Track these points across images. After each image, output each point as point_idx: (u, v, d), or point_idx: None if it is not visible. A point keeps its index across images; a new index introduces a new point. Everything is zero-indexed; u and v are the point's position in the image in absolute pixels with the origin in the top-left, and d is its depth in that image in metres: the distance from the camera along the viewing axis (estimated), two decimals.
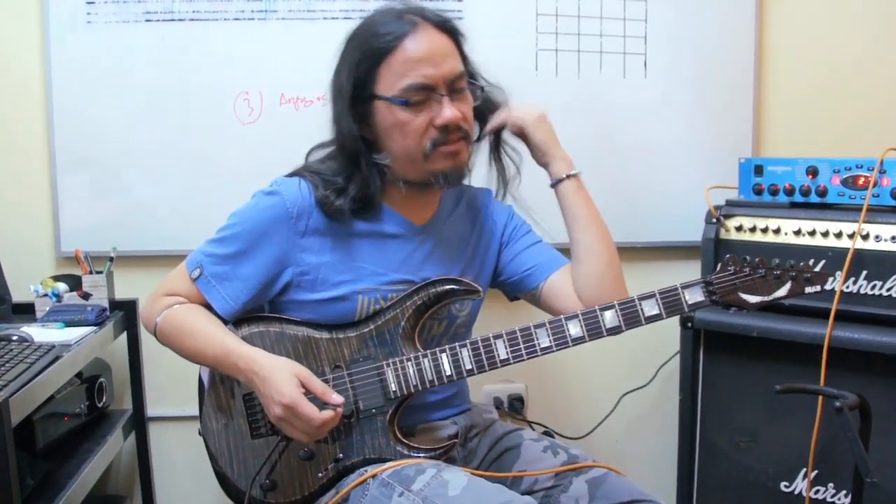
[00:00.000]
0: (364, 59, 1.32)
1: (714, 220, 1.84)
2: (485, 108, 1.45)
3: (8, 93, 1.94)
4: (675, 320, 1.80)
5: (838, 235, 1.68)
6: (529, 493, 1.36)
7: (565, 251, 1.51)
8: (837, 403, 1.36)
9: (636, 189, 2.06)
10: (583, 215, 1.43)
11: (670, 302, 1.31)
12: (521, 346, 1.32)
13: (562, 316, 1.32)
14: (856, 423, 1.38)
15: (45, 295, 1.79)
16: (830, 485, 1.70)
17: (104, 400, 1.86)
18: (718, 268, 1.34)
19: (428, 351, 1.34)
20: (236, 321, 1.38)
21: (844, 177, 1.71)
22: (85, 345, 1.64)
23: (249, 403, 1.36)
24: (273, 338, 1.36)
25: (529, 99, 1.95)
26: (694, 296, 1.32)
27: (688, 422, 1.88)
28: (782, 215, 1.77)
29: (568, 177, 1.44)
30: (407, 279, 1.39)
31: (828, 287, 1.35)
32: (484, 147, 1.51)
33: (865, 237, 1.65)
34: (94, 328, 1.72)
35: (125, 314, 1.90)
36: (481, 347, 1.33)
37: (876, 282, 1.64)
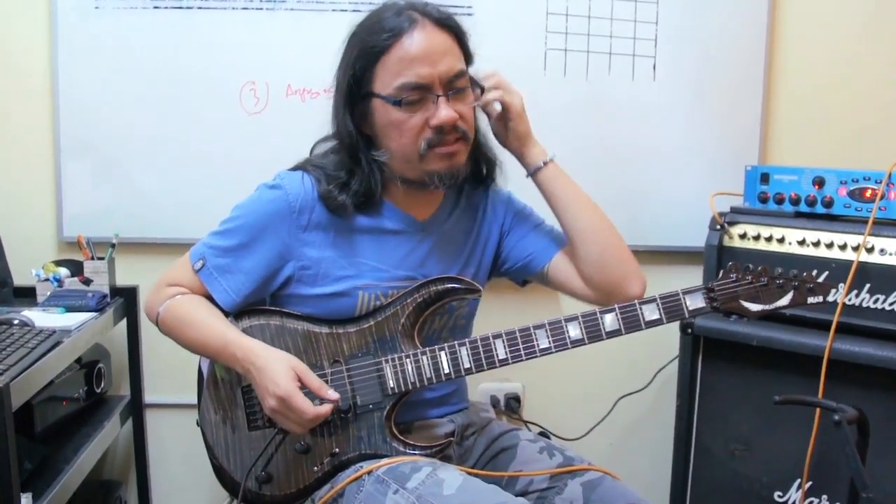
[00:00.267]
0: (361, 55, 1.31)
1: (718, 227, 1.83)
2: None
3: (14, 78, 1.94)
4: (674, 325, 1.80)
5: (843, 247, 1.68)
6: (524, 493, 1.36)
7: None
8: (836, 417, 1.35)
9: (640, 192, 2.05)
10: (570, 198, 1.43)
11: (671, 307, 1.31)
12: (521, 346, 1.32)
13: (561, 318, 1.32)
14: (854, 437, 1.37)
15: (47, 279, 1.79)
16: (825, 496, 1.70)
17: (102, 386, 1.87)
18: (721, 275, 1.34)
19: (427, 349, 1.34)
20: (237, 314, 1.38)
21: (851, 188, 1.71)
22: (85, 331, 1.64)
23: (248, 395, 1.36)
24: (273, 331, 1.36)
25: (537, 98, 1.95)
26: (695, 302, 1.32)
27: (684, 427, 1.88)
28: (787, 224, 1.76)
29: (547, 163, 1.43)
30: (408, 276, 1.39)
31: (830, 299, 1.35)
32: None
33: (870, 250, 1.64)
34: (95, 314, 1.73)
35: (125, 301, 1.91)
36: (480, 347, 1.33)
37: (879, 295, 1.63)
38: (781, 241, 1.75)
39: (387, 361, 1.34)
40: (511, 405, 2.10)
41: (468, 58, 1.38)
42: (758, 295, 1.31)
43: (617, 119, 2.02)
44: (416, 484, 1.23)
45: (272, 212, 1.36)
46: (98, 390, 1.85)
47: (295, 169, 1.41)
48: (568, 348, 1.32)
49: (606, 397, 2.09)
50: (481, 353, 1.32)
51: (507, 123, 1.43)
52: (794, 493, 1.74)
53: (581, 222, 1.42)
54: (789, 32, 2.03)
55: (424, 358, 1.33)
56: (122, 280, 1.91)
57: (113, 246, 1.87)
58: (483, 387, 2.09)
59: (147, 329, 1.87)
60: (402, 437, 1.34)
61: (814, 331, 1.67)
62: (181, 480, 2.07)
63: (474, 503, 1.20)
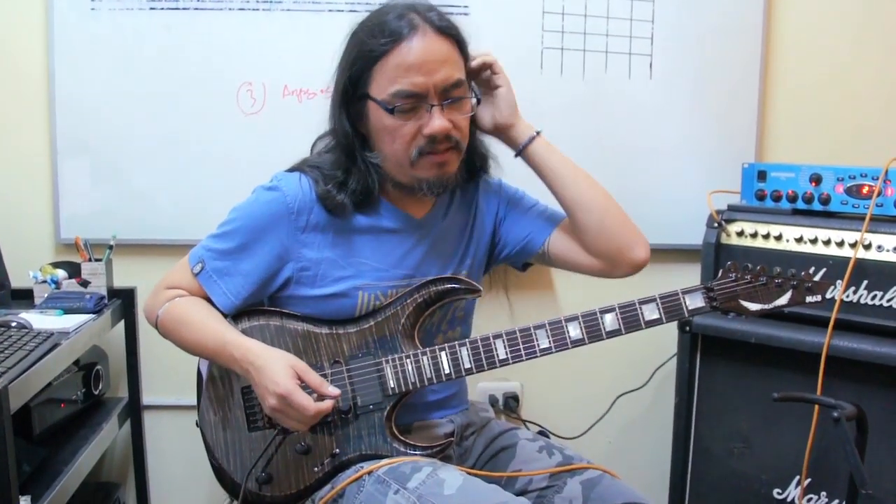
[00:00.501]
0: (359, 57, 1.30)
1: (716, 225, 1.84)
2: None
3: (10, 79, 1.93)
4: (673, 324, 1.80)
5: (840, 244, 1.68)
6: (524, 493, 1.36)
7: None
8: (835, 414, 1.36)
9: (638, 191, 2.05)
10: (562, 170, 1.42)
11: (671, 307, 1.31)
12: (521, 346, 1.32)
13: (562, 318, 1.32)
14: (852, 433, 1.38)
15: (44, 281, 1.79)
16: (823, 493, 1.70)
17: (100, 387, 1.87)
18: (720, 274, 1.34)
19: (427, 349, 1.34)
20: (237, 314, 1.38)
21: (848, 185, 1.71)
22: (83, 333, 1.64)
23: (247, 396, 1.36)
24: (273, 331, 1.36)
25: (534, 97, 1.95)
26: (695, 301, 1.32)
27: (682, 425, 1.88)
28: (784, 222, 1.76)
29: (534, 137, 1.42)
30: (407, 275, 1.39)
31: (828, 296, 1.35)
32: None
33: (867, 247, 1.64)
34: (93, 316, 1.72)
35: (123, 302, 1.90)
36: (480, 347, 1.33)
37: (877, 292, 1.64)
38: (779, 238, 1.76)
39: (387, 362, 1.34)
40: (510, 404, 2.10)
41: (467, 63, 1.37)
42: (756, 294, 1.32)
43: (614, 118, 2.02)
44: (416, 484, 1.23)
45: (270, 214, 1.35)
46: (96, 392, 1.84)
47: (292, 170, 1.40)
48: (568, 348, 1.32)
49: (605, 396, 2.09)
50: (482, 353, 1.32)
51: (494, 97, 1.42)
52: (794, 491, 1.74)
53: (576, 191, 1.41)
54: (785, 30, 2.04)
55: (425, 358, 1.33)
56: (120, 281, 1.91)
57: (110, 247, 1.87)
58: (482, 386, 2.09)
59: (145, 331, 1.87)
60: (402, 438, 1.34)
61: (812, 328, 1.67)
62: (180, 482, 2.07)
63: (475, 503, 1.20)
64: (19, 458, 1.40)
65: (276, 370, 1.25)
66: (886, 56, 2.05)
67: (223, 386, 1.37)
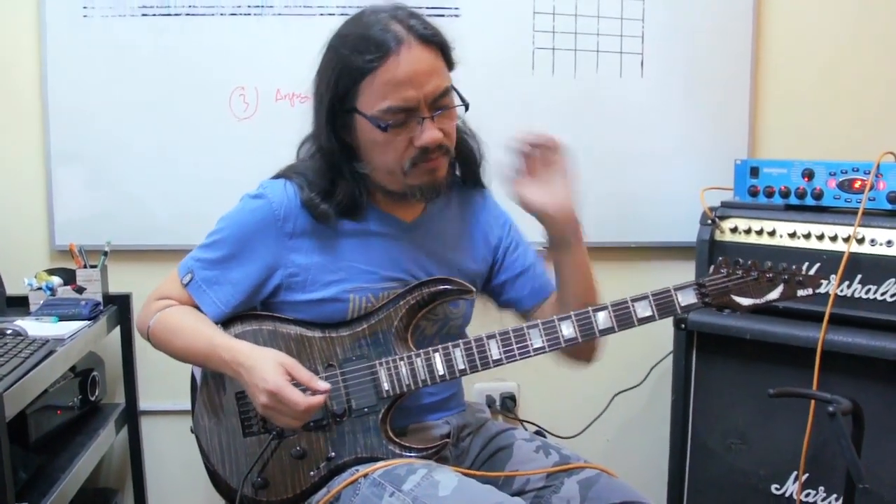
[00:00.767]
0: (345, 73, 1.28)
1: (709, 222, 1.84)
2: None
3: (3, 85, 1.93)
4: (668, 321, 1.81)
5: (833, 239, 1.68)
6: (521, 493, 1.36)
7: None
8: (831, 408, 1.36)
9: (631, 189, 2.06)
10: (582, 279, 1.38)
11: (663, 304, 1.31)
12: (514, 346, 1.32)
13: (554, 317, 1.32)
14: (849, 428, 1.38)
15: (39, 288, 1.79)
16: (821, 488, 1.70)
17: (97, 394, 1.87)
18: (711, 270, 1.34)
19: (421, 350, 1.34)
20: (230, 319, 1.38)
21: (840, 180, 1.71)
22: (78, 339, 1.64)
23: (242, 401, 1.36)
24: (266, 336, 1.36)
25: (527, 98, 1.95)
26: (686, 298, 1.32)
27: (679, 423, 1.88)
28: (777, 217, 1.77)
29: (582, 237, 1.36)
30: (398, 277, 1.39)
31: (822, 291, 1.35)
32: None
33: (861, 241, 1.65)
34: (88, 322, 1.72)
35: (118, 308, 1.90)
36: (474, 347, 1.32)
37: (870, 286, 1.64)
38: (772, 234, 1.76)
39: (381, 364, 1.34)
40: (507, 405, 2.11)
41: (451, 67, 1.35)
42: (748, 289, 1.31)
43: (606, 116, 2.03)
44: (411, 486, 1.23)
45: (257, 221, 1.35)
46: (92, 398, 1.84)
47: (277, 177, 1.40)
48: (562, 347, 1.32)
49: (602, 394, 2.10)
50: (475, 353, 1.32)
51: (550, 178, 1.33)
52: (791, 486, 1.74)
53: (581, 299, 1.37)
54: (775, 26, 2.05)
55: (419, 360, 1.33)
56: (115, 288, 1.91)
57: (105, 254, 1.87)
58: (478, 387, 2.09)
59: (141, 336, 1.87)
60: (397, 440, 1.34)
61: (807, 323, 1.67)
62: (177, 487, 2.07)
63: None
64: (15, 466, 1.40)
65: (266, 368, 1.25)
66: (876, 51, 2.06)
67: (217, 392, 1.37)
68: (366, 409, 1.33)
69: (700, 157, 2.05)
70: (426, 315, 1.38)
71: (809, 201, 1.75)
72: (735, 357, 1.79)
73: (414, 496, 1.21)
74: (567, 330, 1.32)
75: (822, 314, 1.64)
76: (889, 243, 1.62)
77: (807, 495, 1.72)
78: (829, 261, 1.67)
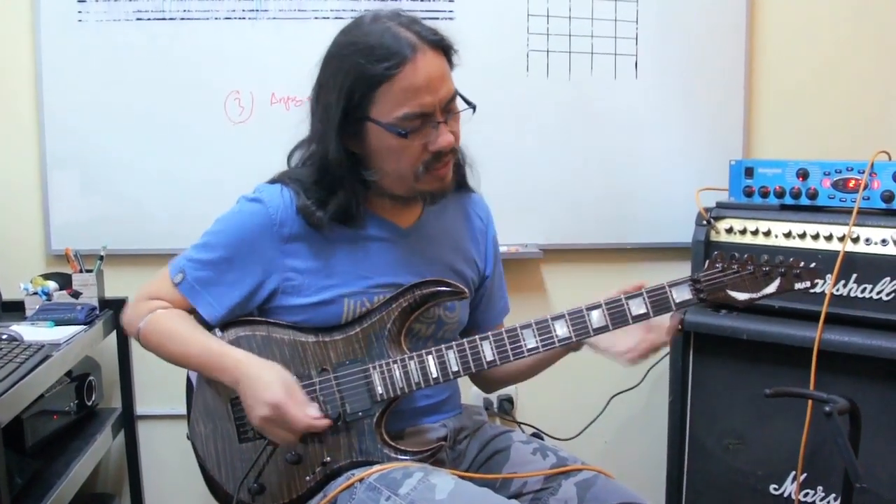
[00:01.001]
0: (359, 82, 1.27)
1: (704, 223, 1.84)
2: None
3: None
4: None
5: (828, 238, 1.68)
6: (518, 495, 1.35)
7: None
8: (827, 408, 1.36)
9: (626, 190, 2.06)
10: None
11: (658, 300, 1.31)
12: (508, 346, 1.32)
13: (548, 316, 1.32)
14: (845, 427, 1.38)
15: (35, 293, 1.79)
16: (819, 488, 1.70)
17: (93, 398, 1.86)
18: (706, 265, 1.32)
19: (414, 353, 1.33)
20: (223, 325, 1.37)
21: (835, 179, 1.72)
22: (74, 344, 1.64)
23: (237, 407, 1.35)
24: (259, 341, 1.35)
25: (521, 100, 1.95)
26: (682, 294, 1.31)
27: (677, 424, 1.88)
28: (772, 217, 1.77)
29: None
30: (393, 282, 1.38)
31: (817, 289, 1.34)
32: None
33: (856, 240, 1.65)
34: (84, 327, 1.72)
35: (115, 313, 1.90)
36: (467, 349, 1.32)
37: (866, 285, 1.64)
38: (767, 234, 1.76)
39: (374, 368, 1.33)
40: (504, 407, 2.10)
41: (452, 70, 1.35)
42: (744, 284, 1.29)
43: (601, 118, 2.03)
44: (407, 490, 1.22)
45: (254, 225, 1.35)
46: (89, 403, 1.84)
47: (273, 182, 1.40)
48: (556, 347, 1.32)
49: (599, 396, 2.09)
50: (468, 354, 1.32)
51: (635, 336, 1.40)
52: (790, 486, 1.74)
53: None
54: (769, 27, 2.05)
55: (412, 362, 1.33)
56: (111, 292, 1.91)
57: (101, 258, 1.87)
58: (476, 389, 2.08)
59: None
60: (393, 443, 1.33)
61: (803, 322, 1.67)
62: (174, 492, 2.07)
63: None
64: (11, 471, 1.40)
65: (270, 381, 1.25)
66: (869, 51, 2.06)
67: (212, 398, 1.37)
68: (360, 413, 1.33)
69: (695, 158, 2.05)
70: (420, 317, 1.37)
71: (804, 201, 1.75)
72: (732, 357, 1.79)
73: (410, 500, 1.20)
74: (561, 329, 1.31)
75: (818, 314, 1.64)
76: (884, 242, 1.62)
77: (805, 495, 1.72)
78: (824, 260, 1.66)
